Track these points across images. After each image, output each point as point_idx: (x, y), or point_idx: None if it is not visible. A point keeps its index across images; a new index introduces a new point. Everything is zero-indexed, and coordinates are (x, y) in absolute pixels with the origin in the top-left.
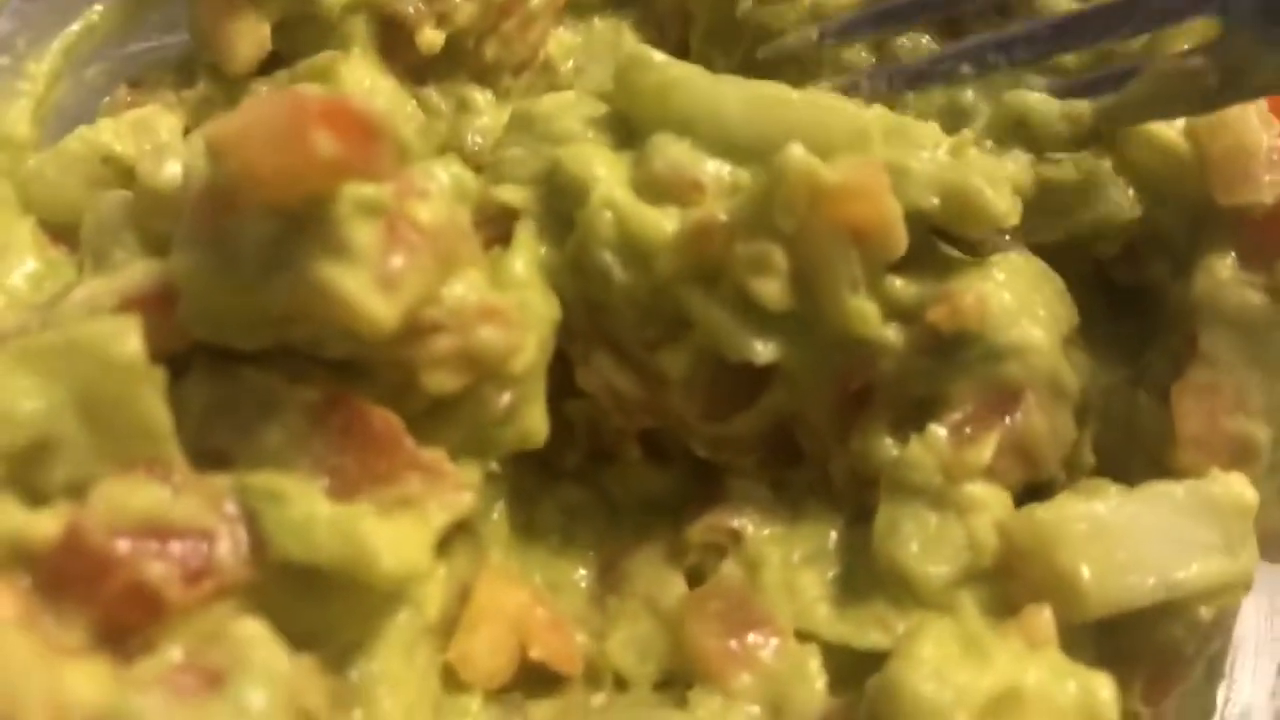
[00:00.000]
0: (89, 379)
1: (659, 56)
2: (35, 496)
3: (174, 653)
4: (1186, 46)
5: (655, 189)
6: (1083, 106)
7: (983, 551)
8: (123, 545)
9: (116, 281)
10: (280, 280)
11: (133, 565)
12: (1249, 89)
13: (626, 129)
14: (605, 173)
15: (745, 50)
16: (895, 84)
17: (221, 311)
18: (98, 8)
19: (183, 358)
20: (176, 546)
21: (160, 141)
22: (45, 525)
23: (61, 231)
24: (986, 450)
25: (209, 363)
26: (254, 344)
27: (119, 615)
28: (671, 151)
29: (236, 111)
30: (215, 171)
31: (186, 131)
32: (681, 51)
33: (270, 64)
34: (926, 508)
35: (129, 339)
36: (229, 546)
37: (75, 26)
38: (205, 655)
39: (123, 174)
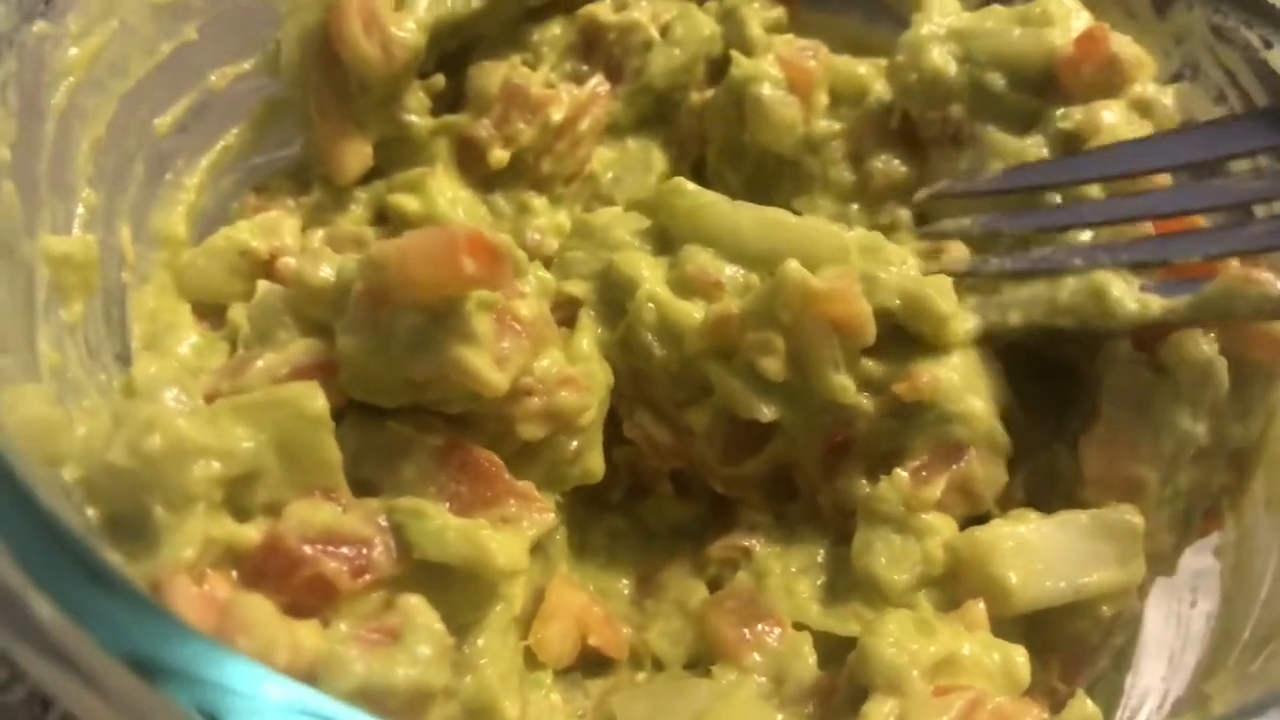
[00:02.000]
0: (285, 426)
1: (691, 186)
2: (240, 513)
3: (343, 628)
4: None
5: (686, 286)
6: (1153, 300)
7: (934, 564)
8: (308, 549)
9: (286, 355)
10: (424, 358)
11: (315, 563)
12: None
13: (664, 239)
14: (649, 273)
15: (751, 165)
16: (1008, 271)
17: (373, 379)
18: (233, 131)
19: (338, 411)
20: (346, 550)
21: (285, 239)
22: (250, 534)
23: (206, 312)
24: (938, 490)
25: (359, 416)
26: (394, 403)
27: (303, 600)
28: (699, 259)
29: (399, 239)
30: (373, 277)
31: (303, 230)
32: (700, 166)
33: (370, 175)
34: (892, 531)
35: (317, 398)
36: (382, 550)
37: (218, 145)
38: (384, 620)
39: (255, 265)
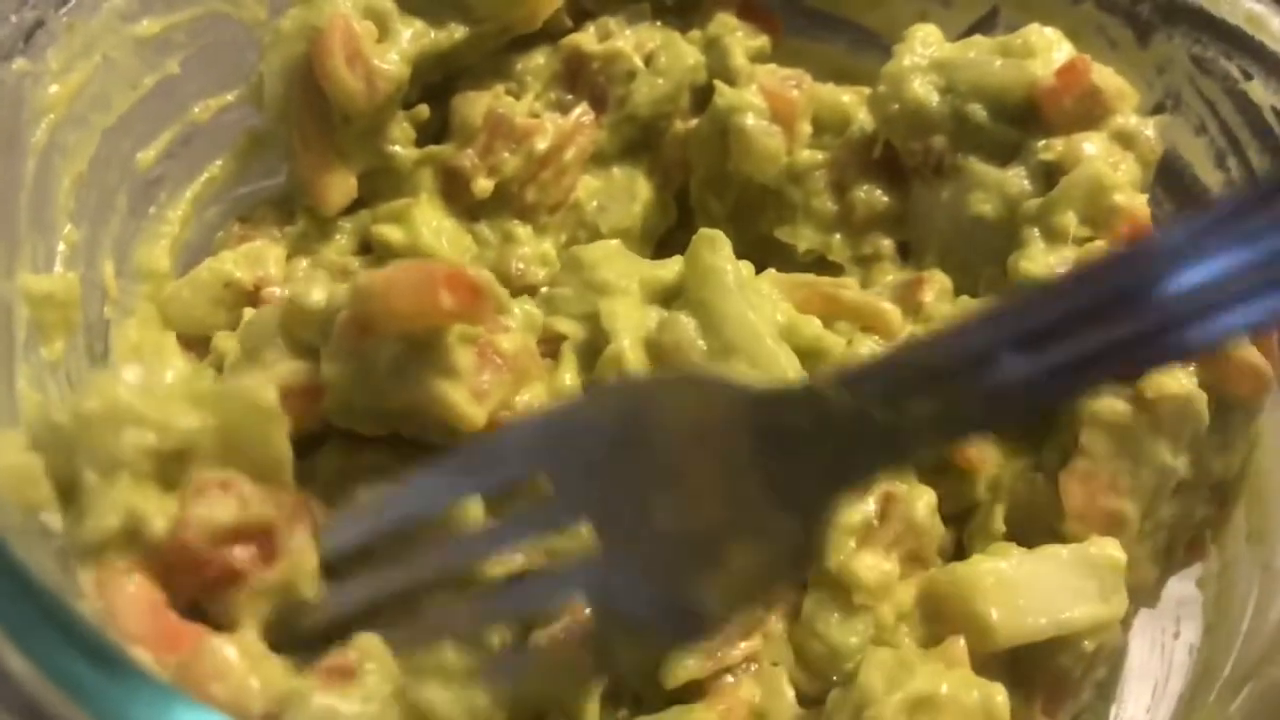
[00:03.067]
0: (234, 416)
1: (724, 247)
2: (168, 485)
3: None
4: None
5: (658, 354)
6: None
7: (884, 629)
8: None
9: (271, 375)
10: (404, 388)
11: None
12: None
13: (666, 293)
14: (623, 328)
15: (735, 194)
16: None
17: (355, 407)
18: (218, 162)
19: (320, 435)
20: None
21: (269, 270)
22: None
23: (190, 343)
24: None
25: (339, 442)
26: (374, 431)
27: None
28: (680, 334)
29: (385, 270)
30: (359, 307)
31: (288, 259)
32: (684, 194)
33: (354, 205)
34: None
35: (269, 391)
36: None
37: (202, 177)
38: (344, 656)
39: (239, 296)
